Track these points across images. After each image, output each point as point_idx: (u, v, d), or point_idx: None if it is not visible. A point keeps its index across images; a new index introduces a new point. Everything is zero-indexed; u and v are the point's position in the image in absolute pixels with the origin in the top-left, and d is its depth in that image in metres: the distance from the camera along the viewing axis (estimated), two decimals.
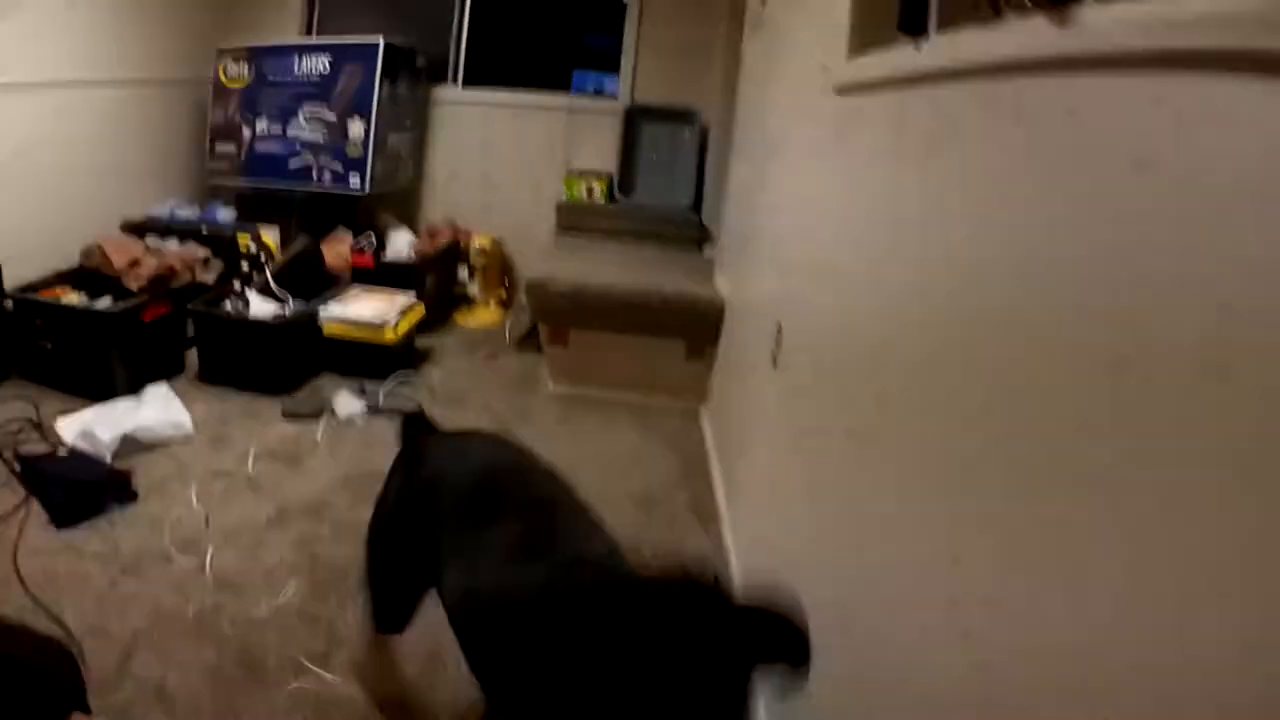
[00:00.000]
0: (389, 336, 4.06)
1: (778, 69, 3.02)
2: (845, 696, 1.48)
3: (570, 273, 3.95)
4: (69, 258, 4.28)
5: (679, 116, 5.29)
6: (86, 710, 1.89)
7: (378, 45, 4.98)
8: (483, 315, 5.39)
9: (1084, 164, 0.93)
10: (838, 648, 1.38)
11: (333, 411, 3.71)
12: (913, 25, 1.51)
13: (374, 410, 3.77)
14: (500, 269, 5.57)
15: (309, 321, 4.10)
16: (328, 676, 2.20)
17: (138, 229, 4.83)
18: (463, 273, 5.48)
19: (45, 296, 3.91)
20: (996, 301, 1.11)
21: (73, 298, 3.99)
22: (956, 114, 1.32)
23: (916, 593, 1.27)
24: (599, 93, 5.74)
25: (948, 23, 1.42)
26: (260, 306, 4.04)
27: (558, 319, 3.98)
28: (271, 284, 4.17)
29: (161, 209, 5.21)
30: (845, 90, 1.95)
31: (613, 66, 5.71)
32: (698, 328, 3.86)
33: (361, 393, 3.89)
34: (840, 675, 1.44)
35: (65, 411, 3.39)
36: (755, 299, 3.05)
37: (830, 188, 2.07)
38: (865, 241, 1.73)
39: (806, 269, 2.22)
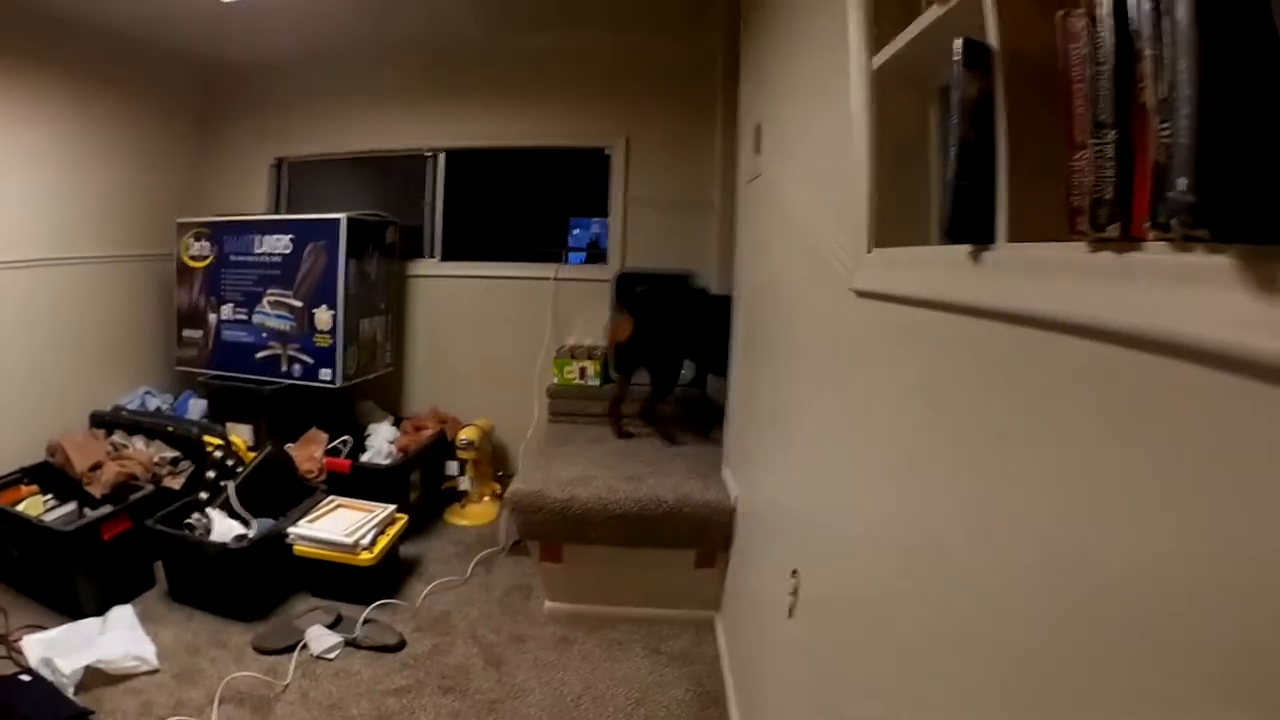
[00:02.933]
0: (364, 558, 4.02)
1: (776, 239, 3.02)
2: None
3: (558, 482, 3.87)
4: (37, 449, 4.39)
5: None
6: None
7: (339, 222, 5.04)
8: (475, 512, 5.34)
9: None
10: None
11: (305, 645, 3.65)
12: (969, 231, 1.25)
13: (350, 643, 3.70)
14: (492, 459, 5.54)
15: (278, 540, 4.07)
16: None
17: (106, 422, 4.87)
18: (452, 466, 5.43)
19: (7, 499, 4.02)
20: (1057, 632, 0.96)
21: (36, 501, 4.10)
22: (1034, 381, 1.05)
23: None
24: (595, 247, 5.77)
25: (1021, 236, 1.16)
26: (223, 527, 4.00)
27: (548, 536, 3.89)
28: (234, 501, 4.14)
29: (132, 398, 5.28)
30: (867, 296, 1.77)
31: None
32: (706, 536, 3.78)
33: (337, 621, 3.83)
34: None
35: (32, 625, 3.55)
36: (768, 521, 2.97)
37: (852, 417, 1.90)
38: (888, 499, 1.61)
39: (826, 514, 2.13)
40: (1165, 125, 0.78)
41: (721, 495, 3.79)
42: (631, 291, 4.68)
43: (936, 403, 1.38)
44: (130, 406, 5.22)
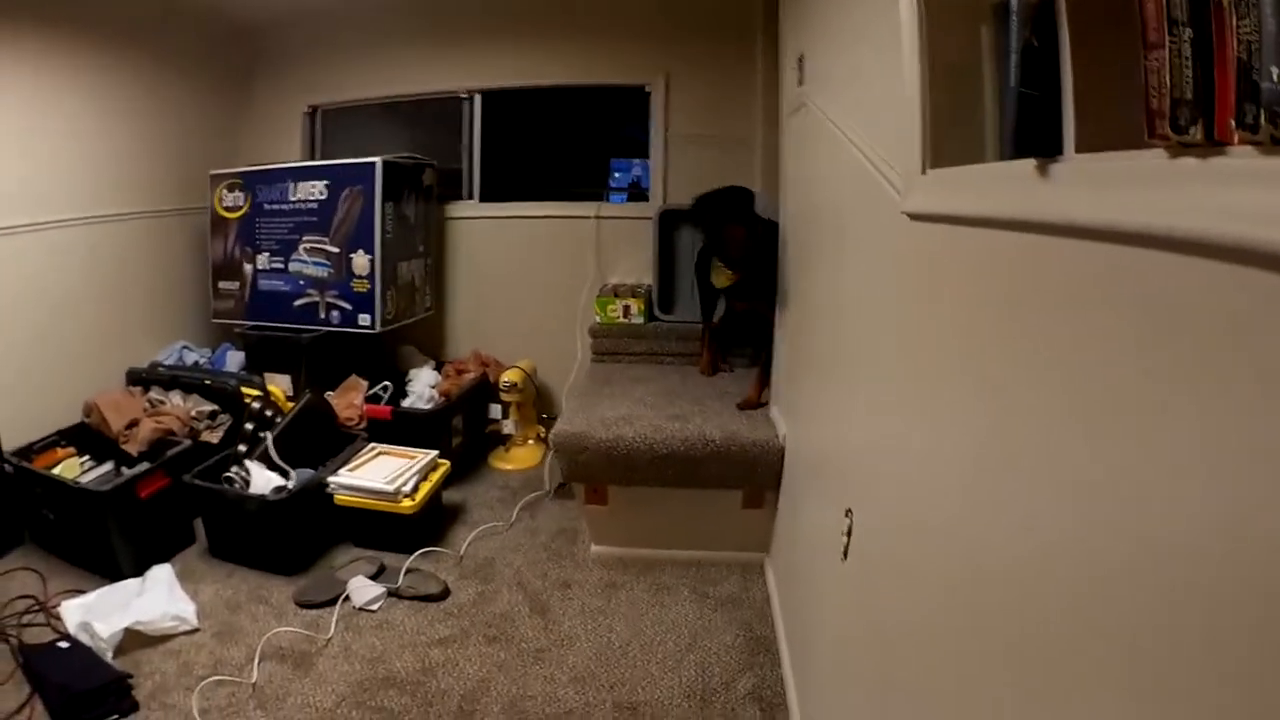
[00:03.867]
0: (406, 506, 3.97)
1: (823, 169, 2.91)
2: None
3: (602, 422, 3.80)
4: (72, 411, 4.38)
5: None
6: None
7: (375, 165, 4.96)
8: (520, 456, 5.30)
9: None
10: None
11: (347, 598, 3.61)
12: (1035, 142, 1.14)
13: (393, 594, 3.67)
14: (535, 401, 5.48)
15: (318, 491, 4.03)
16: None
17: (142, 380, 4.85)
18: (495, 410, 5.38)
19: (43, 462, 4.03)
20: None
21: (73, 463, 4.08)
22: (1115, 300, 0.94)
23: None
24: (636, 188, 5.67)
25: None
26: (262, 479, 3.96)
27: (593, 478, 3.82)
28: (273, 453, 4.11)
29: (169, 353, 5.25)
30: (922, 219, 1.68)
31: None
32: (754, 475, 3.69)
33: (380, 572, 3.80)
34: None
35: (70, 591, 3.53)
36: (819, 461, 2.86)
37: (908, 345, 1.79)
38: (949, 434, 1.49)
39: (881, 450, 2.01)
40: (1244, 22, 0.70)
41: (769, 434, 3.69)
42: (720, 206, 4.07)
43: (1000, 330, 1.27)
44: (167, 362, 5.18)
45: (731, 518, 3.84)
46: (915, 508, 1.68)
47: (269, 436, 4.21)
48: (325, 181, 5.09)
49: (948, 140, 1.62)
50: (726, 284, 4.15)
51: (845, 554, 2.21)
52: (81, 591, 3.52)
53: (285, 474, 4.08)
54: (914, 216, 1.71)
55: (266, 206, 5.28)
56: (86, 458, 4.22)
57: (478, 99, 5.77)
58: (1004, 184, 1.28)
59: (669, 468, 3.68)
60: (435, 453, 4.37)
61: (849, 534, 2.19)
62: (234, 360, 5.36)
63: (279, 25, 5.88)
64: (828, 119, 2.77)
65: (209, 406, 4.68)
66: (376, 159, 4.95)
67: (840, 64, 2.66)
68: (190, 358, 5.35)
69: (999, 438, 1.26)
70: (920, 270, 1.71)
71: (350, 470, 4.14)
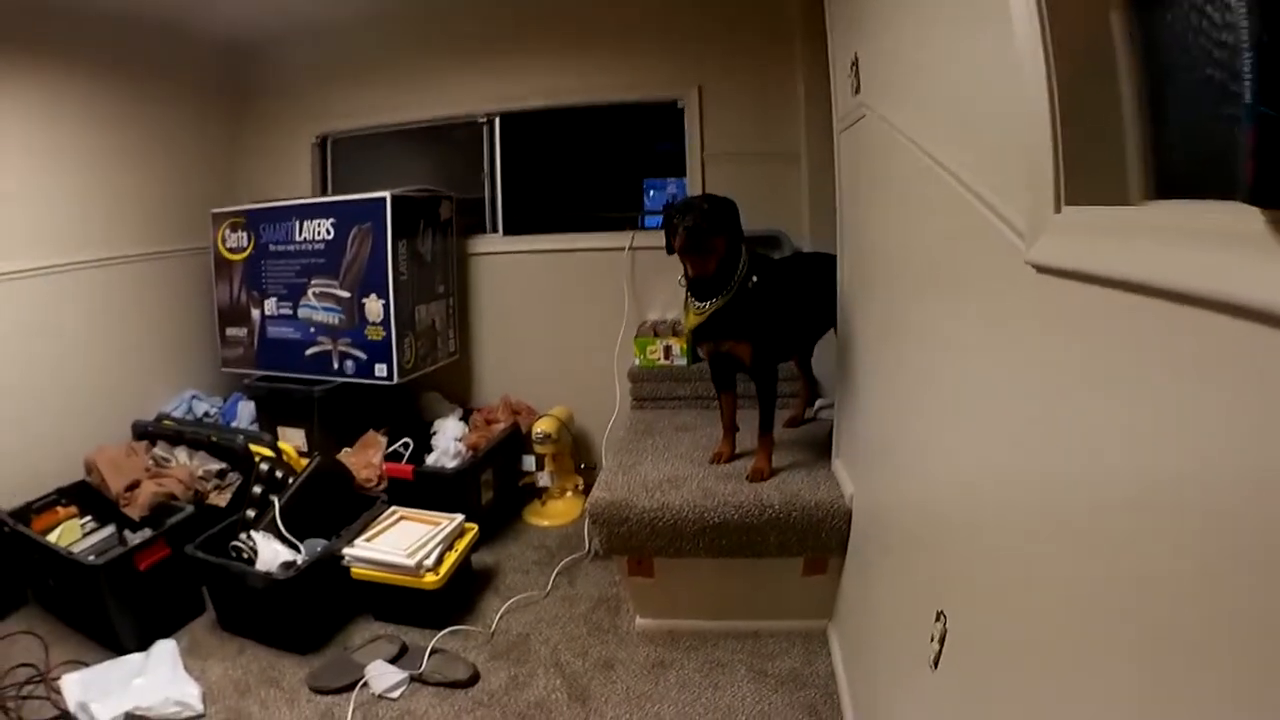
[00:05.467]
0: (430, 581, 3.67)
1: (896, 193, 2.52)
2: None
3: (645, 486, 3.46)
4: (74, 467, 4.25)
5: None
6: None
7: (384, 201, 4.68)
8: (557, 510, 4.99)
9: None
10: None
11: (366, 683, 3.30)
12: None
13: (416, 679, 3.35)
14: (573, 451, 5.17)
15: (332, 564, 3.75)
16: None
17: (148, 434, 4.63)
18: (528, 461, 5.07)
19: (43, 522, 3.91)
20: None
21: (73, 525, 3.95)
22: None
23: None
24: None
25: None
26: (269, 553, 3.69)
27: (636, 550, 3.47)
28: (280, 524, 3.83)
29: (178, 404, 5.11)
30: (1057, 274, 1.28)
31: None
32: (817, 541, 3.33)
33: (401, 653, 3.49)
34: None
35: (72, 661, 3.45)
36: (901, 537, 2.47)
37: (1028, 437, 1.43)
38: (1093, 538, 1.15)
39: (986, 542, 1.65)
40: None
41: (834, 494, 3.33)
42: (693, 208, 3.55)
43: (1182, 446, 0.93)
44: (176, 413, 5.02)
45: (791, 585, 3.49)
46: (1034, 617, 1.36)
47: (276, 504, 3.93)
48: (331, 220, 4.83)
49: (1081, 167, 1.26)
50: (697, 322, 3.55)
51: (935, 663, 1.85)
52: (83, 663, 3.42)
53: (295, 546, 3.80)
54: (1043, 269, 1.34)
55: (272, 247, 5.04)
56: (88, 519, 4.05)
57: (497, 122, 5.50)
58: (1211, 244, 0.90)
59: (722, 537, 3.33)
60: (461, 517, 4.07)
61: (941, 641, 1.83)
62: (246, 411, 5.17)
63: (282, 50, 5.67)
64: (899, 133, 2.37)
65: (216, 465, 4.43)
66: (386, 193, 4.68)
67: (914, 60, 2.24)
68: (200, 408, 5.19)
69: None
70: (1055, 346, 1.32)
71: (367, 540, 3.85)
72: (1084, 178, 1.25)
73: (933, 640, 1.85)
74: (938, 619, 1.85)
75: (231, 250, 5.18)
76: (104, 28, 4.65)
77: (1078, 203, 1.26)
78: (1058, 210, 1.29)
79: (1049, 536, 1.30)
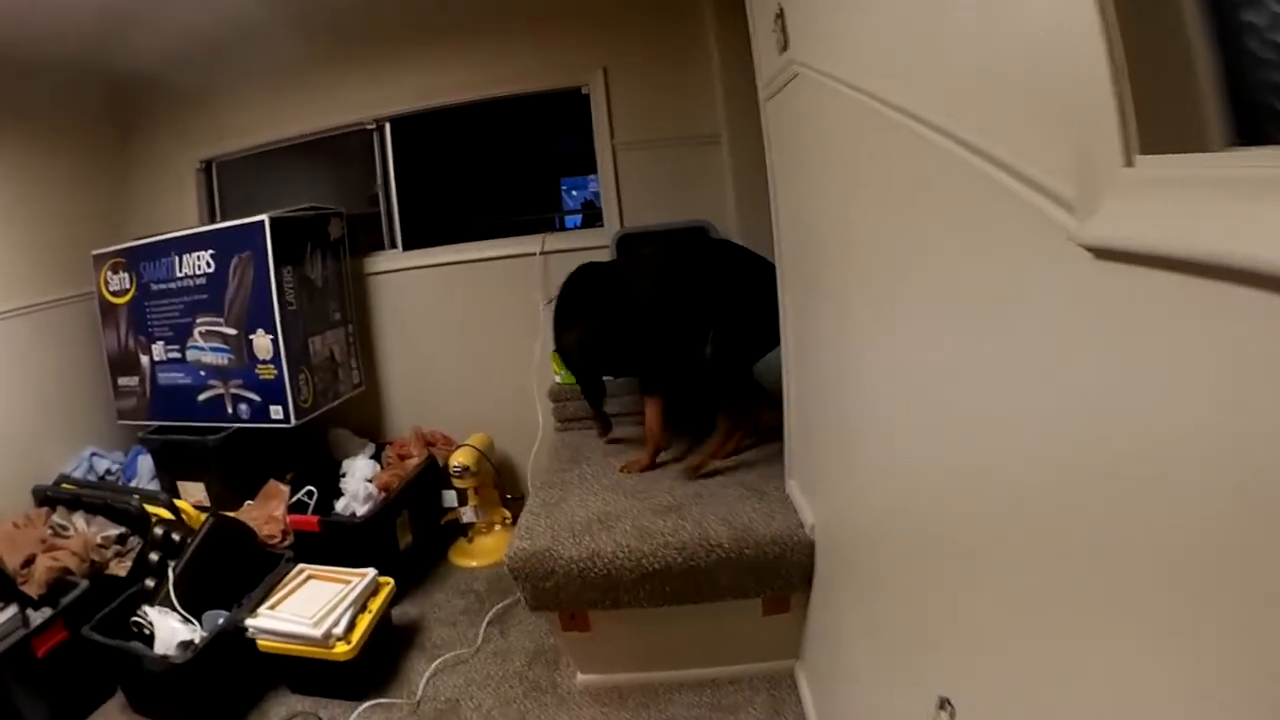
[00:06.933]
0: (341, 652, 3.32)
1: (847, 163, 2.06)
2: None
3: (571, 529, 3.08)
4: None
5: (688, 236, 4.49)
6: None
7: (261, 224, 4.30)
8: (485, 547, 4.63)
9: None
10: None
11: None
12: None
13: None
14: (496, 482, 4.82)
15: (236, 635, 3.42)
16: None
17: (48, 499, 4.26)
18: (450, 496, 4.73)
19: None
20: None
21: None
22: None
23: None
24: (592, 207, 5.04)
25: None
26: (166, 630, 3.34)
27: (567, 604, 3.10)
28: (173, 598, 3.48)
29: (78, 463, 4.75)
30: (1136, 260, 0.85)
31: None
32: (776, 578, 2.94)
33: None
34: None
35: None
36: (880, 575, 2.09)
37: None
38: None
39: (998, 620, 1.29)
40: None
41: (792, 523, 2.93)
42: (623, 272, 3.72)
43: None
44: (76, 474, 4.66)
45: (750, 626, 3.11)
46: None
47: (170, 574, 3.57)
48: (210, 251, 4.44)
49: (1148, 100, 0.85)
50: None
51: None
52: None
53: (192, 621, 3.46)
54: (1108, 254, 0.90)
55: (154, 287, 4.66)
56: None
57: (388, 128, 5.16)
58: None
59: (665, 584, 2.94)
60: (373, 572, 3.71)
61: None
62: (145, 466, 4.81)
63: (157, 73, 5.21)
64: (847, 86, 1.92)
65: (115, 530, 4.04)
66: (262, 217, 4.30)
67: None
68: (101, 465, 4.83)
69: None
70: (1119, 363, 0.90)
71: (271, 607, 3.49)
72: (1153, 117, 0.85)
73: None
74: (942, 706, 1.48)
75: (114, 293, 4.82)
76: None
77: (1161, 149, 0.84)
78: (1129, 163, 0.86)
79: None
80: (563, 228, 5.06)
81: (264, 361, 4.35)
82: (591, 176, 5.10)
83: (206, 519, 3.88)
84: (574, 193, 5.22)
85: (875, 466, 2.04)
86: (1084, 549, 0.99)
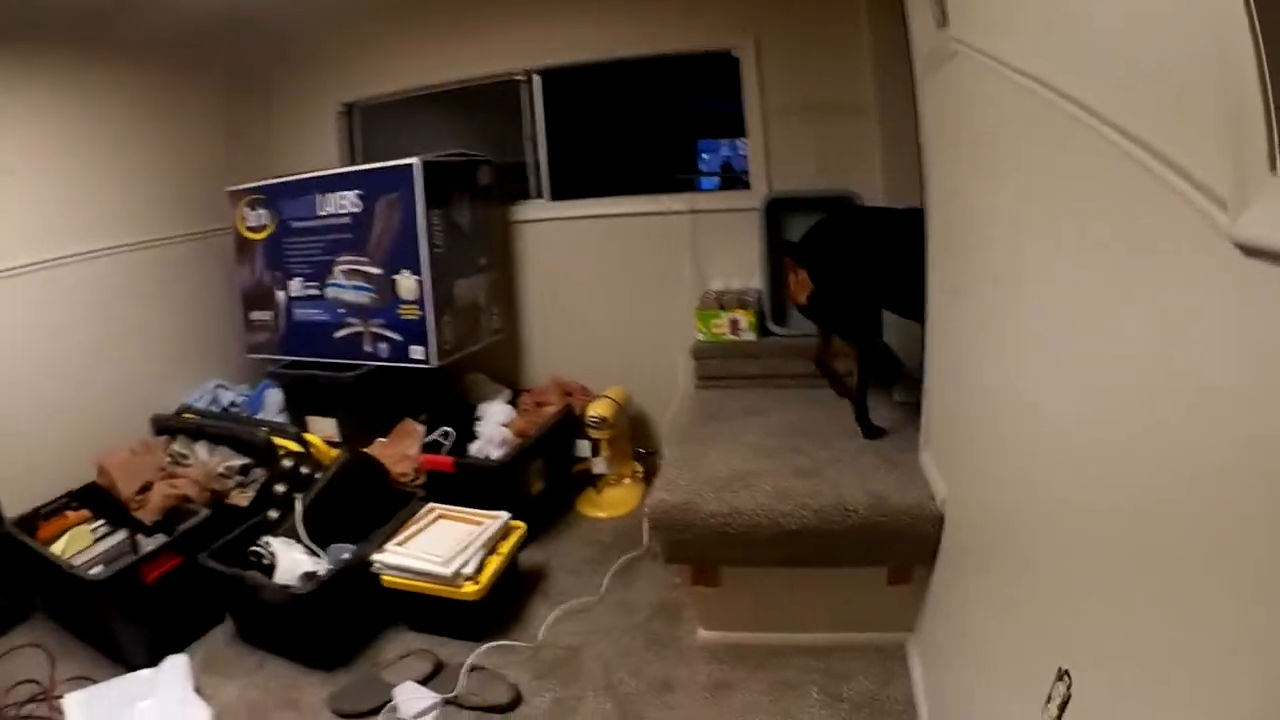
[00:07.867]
0: (469, 591, 3.37)
1: (1006, 147, 2.02)
2: None
3: (711, 484, 3.10)
4: (88, 467, 4.06)
5: (836, 205, 4.37)
6: None
7: (412, 167, 4.35)
8: (614, 499, 4.67)
9: None
10: None
11: (394, 708, 3.02)
12: None
13: (450, 702, 3.06)
14: (630, 434, 4.86)
15: (361, 570, 3.48)
16: None
17: (169, 428, 4.39)
18: (583, 446, 4.75)
19: (51, 529, 3.72)
20: None
21: (82, 530, 3.76)
22: None
23: None
24: (729, 170, 5.02)
25: None
26: (289, 561, 3.43)
27: (701, 559, 3.13)
28: (300, 531, 3.56)
29: (201, 394, 4.90)
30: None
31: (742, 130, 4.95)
32: (902, 548, 2.94)
33: (435, 672, 3.21)
34: None
35: (77, 678, 3.28)
36: (1010, 561, 2.03)
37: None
38: None
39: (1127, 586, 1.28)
40: None
41: (923, 495, 2.91)
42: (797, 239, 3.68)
43: None
44: (199, 405, 4.78)
45: (873, 596, 3.12)
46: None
47: (299, 506, 3.67)
48: (357, 191, 4.52)
49: None
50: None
51: None
52: (90, 679, 3.24)
53: (317, 554, 3.55)
54: (1257, 252, 0.90)
55: (294, 224, 4.77)
56: (100, 523, 3.83)
57: (537, 80, 5.17)
58: None
59: (800, 546, 2.95)
60: (506, 516, 3.76)
61: (1063, 708, 1.45)
62: (274, 400, 4.95)
63: (301, 20, 5.30)
64: (1015, 72, 1.86)
65: (239, 461, 4.15)
66: (414, 159, 4.34)
67: None
68: (226, 398, 4.99)
69: None
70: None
71: (400, 544, 3.57)
72: None
73: (1049, 703, 1.49)
74: (1060, 678, 1.47)
75: (252, 229, 4.94)
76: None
77: None
78: (1276, 170, 0.87)
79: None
80: (699, 188, 5.05)
81: (408, 302, 4.42)
82: (725, 141, 5.07)
83: (341, 453, 3.98)
84: (705, 156, 5.20)
85: (1015, 443, 2.02)
86: (1217, 531, 0.99)
